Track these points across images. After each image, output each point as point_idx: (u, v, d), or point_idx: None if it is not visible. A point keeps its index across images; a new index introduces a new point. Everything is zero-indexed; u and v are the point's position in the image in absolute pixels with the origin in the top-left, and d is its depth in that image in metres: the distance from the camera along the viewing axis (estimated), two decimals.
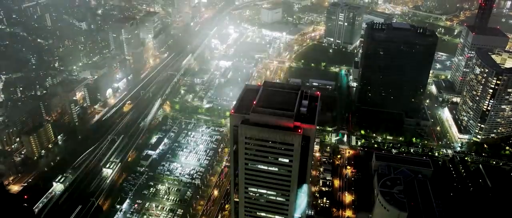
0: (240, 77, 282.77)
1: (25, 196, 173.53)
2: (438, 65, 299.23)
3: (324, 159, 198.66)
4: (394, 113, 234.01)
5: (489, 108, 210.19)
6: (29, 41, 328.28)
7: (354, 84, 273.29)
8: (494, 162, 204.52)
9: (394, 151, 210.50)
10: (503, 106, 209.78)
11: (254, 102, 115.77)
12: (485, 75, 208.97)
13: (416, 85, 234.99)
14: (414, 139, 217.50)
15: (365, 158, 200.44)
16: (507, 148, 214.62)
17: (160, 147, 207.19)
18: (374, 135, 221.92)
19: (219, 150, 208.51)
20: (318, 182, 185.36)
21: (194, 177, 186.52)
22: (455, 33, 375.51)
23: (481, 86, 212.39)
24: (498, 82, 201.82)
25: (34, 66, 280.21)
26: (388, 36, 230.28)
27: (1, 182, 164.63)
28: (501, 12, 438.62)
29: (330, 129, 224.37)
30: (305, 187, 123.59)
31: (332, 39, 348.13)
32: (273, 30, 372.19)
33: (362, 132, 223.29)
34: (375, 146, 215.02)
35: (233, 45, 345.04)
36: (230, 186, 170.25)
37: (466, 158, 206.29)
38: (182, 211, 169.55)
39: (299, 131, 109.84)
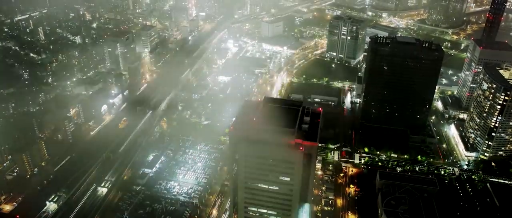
0: (239, 93, 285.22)
1: (17, 216, 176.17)
2: (444, 81, 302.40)
3: (326, 177, 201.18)
4: (398, 129, 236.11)
5: (497, 125, 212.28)
6: (21, 55, 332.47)
7: (358, 100, 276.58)
8: (502, 181, 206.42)
9: (398, 169, 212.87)
10: (511, 123, 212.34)
11: (254, 119, 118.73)
12: (493, 91, 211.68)
13: (422, 101, 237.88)
14: (419, 157, 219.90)
15: (369, 176, 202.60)
16: None
17: (157, 165, 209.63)
18: (378, 152, 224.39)
19: (218, 168, 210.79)
20: (320, 201, 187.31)
21: (192, 196, 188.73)
22: (462, 48, 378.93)
23: (489, 103, 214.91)
24: (507, 98, 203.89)
25: (26, 82, 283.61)
26: (393, 50, 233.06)
27: None
28: (509, 26, 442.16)
29: (332, 146, 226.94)
30: (306, 207, 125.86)
31: (334, 54, 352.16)
32: (274, 44, 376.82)
33: (366, 149, 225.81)
34: (379, 163, 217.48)
35: (232, 60, 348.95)
36: (229, 206, 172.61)
37: (473, 176, 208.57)
38: None
39: (301, 148, 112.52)
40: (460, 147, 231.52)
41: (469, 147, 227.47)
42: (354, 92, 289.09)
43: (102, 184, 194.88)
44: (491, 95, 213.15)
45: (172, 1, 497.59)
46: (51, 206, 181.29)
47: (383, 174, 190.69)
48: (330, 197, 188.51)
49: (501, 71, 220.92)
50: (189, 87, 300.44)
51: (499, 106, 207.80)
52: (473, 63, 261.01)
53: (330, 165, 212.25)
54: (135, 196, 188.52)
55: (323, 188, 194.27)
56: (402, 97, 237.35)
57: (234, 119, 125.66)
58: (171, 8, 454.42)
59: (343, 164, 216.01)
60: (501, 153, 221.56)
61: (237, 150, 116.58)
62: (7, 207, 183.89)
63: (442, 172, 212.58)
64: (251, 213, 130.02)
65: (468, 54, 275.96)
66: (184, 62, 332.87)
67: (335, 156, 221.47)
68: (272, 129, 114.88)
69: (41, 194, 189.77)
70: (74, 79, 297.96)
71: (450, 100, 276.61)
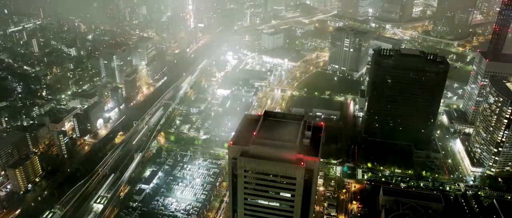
0: (239, 106, 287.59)
1: None
2: (449, 94, 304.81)
3: (328, 194, 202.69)
4: (402, 144, 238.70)
5: (503, 139, 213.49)
6: (15, 68, 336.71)
7: (360, 114, 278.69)
8: (509, 197, 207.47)
9: (402, 185, 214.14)
10: None
11: (254, 133, 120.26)
12: (500, 104, 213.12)
13: (426, 115, 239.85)
14: (424, 172, 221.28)
15: (372, 192, 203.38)
16: None
17: (154, 181, 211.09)
18: (381, 168, 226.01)
19: (217, 184, 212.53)
20: None
21: (190, 212, 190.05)
22: (468, 60, 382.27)
23: (495, 116, 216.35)
24: None
25: (20, 95, 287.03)
26: (397, 63, 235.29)
27: None
28: None
29: (334, 161, 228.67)
30: None
31: (337, 66, 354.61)
32: (274, 56, 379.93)
33: (369, 164, 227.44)
34: (383, 179, 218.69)
35: (231, 73, 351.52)
36: None
37: (479, 193, 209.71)
38: None
39: (302, 163, 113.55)
40: (466, 162, 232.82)
41: (475, 162, 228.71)
42: (357, 106, 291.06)
43: (98, 201, 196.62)
44: (498, 109, 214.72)
45: (169, 12, 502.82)
46: None
47: (387, 190, 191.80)
48: (332, 214, 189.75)
49: (508, 84, 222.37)
50: (187, 100, 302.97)
51: (506, 121, 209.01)
52: (479, 76, 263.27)
53: (332, 181, 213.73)
54: (131, 213, 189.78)
55: (325, 205, 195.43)
56: (406, 111, 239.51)
57: (233, 133, 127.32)
58: (168, 20, 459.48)
59: (346, 180, 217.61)
60: (508, 168, 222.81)
61: (236, 165, 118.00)
62: None
63: (448, 188, 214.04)
64: None
65: (474, 67, 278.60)
66: (182, 75, 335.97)
67: (337, 172, 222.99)
68: (272, 144, 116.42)
69: (35, 210, 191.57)
70: (69, 92, 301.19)
71: (455, 114, 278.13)
